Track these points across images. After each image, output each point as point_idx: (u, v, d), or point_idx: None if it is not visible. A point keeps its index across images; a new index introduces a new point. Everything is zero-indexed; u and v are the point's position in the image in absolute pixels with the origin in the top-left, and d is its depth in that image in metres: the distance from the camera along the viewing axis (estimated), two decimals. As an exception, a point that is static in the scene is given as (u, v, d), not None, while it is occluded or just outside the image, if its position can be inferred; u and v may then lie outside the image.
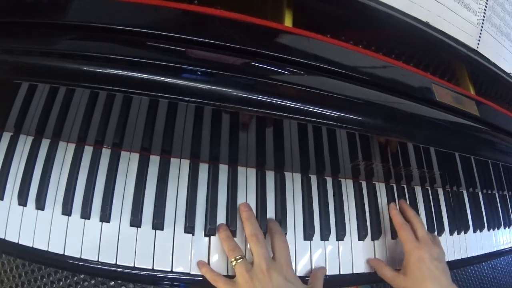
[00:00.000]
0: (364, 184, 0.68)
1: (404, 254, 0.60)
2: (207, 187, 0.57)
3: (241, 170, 0.60)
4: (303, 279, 0.56)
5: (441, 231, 0.73)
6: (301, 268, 0.59)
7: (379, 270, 0.61)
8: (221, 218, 0.56)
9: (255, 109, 0.43)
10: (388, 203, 0.69)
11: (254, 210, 0.58)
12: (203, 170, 0.58)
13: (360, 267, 0.63)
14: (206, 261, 0.54)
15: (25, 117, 0.50)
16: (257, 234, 0.53)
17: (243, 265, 0.51)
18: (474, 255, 0.77)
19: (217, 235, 0.55)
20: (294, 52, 0.46)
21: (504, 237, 0.86)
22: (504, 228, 0.87)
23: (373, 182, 0.69)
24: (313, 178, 0.64)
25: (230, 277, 0.53)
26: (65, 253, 0.49)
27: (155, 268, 0.52)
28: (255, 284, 0.49)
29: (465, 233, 0.78)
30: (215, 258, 0.54)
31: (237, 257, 0.52)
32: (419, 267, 0.57)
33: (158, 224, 0.53)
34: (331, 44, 0.50)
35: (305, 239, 0.60)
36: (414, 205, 0.71)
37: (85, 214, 0.51)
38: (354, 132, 0.54)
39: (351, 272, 0.62)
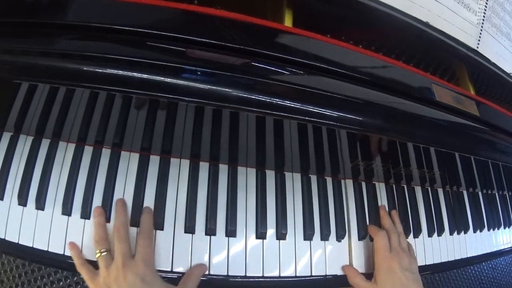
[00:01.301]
0: (364, 184, 0.68)
1: (375, 264, 0.60)
2: (207, 187, 0.57)
3: (241, 170, 0.60)
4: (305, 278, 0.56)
5: (441, 231, 0.73)
6: (301, 268, 0.58)
7: (352, 278, 0.60)
8: (221, 217, 0.56)
9: (255, 109, 0.43)
10: (388, 203, 0.69)
11: (254, 210, 0.58)
12: (203, 170, 0.58)
13: (360, 267, 0.62)
14: (206, 260, 0.54)
15: (25, 117, 0.50)
16: (120, 229, 0.50)
17: (104, 260, 0.49)
18: (474, 255, 0.77)
19: (91, 218, 0.52)
20: (294, 52, 0.46)
21: (504, 237, 0.86)
22: (504, 228, 0.87)
23: (373, 182, 0.68)
24: (313, 178, 0.64)
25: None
26: (65, 253, 0.50)
27: (155, 268, 0.51)
28: (111, 281, 0.47)
29: (465, 233, 0.78)
30: (216, 258, 0.54)
31: (102, 250, 0.49)
32: (389, 277, 0.57)
33: (158, 224, 0.53)
34: (331, 44, 0.50)
35: (305, 239, 0.60)
36: (414, 205, 0.71)
37: (85, 214, 0.51)
38: (354, 132, 0.54)
39: (351, 272, 0.61)
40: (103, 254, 0.49)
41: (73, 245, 0.51)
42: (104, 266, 0.48)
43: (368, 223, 0.65)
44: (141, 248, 0.50)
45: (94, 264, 0.50)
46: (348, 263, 0.62)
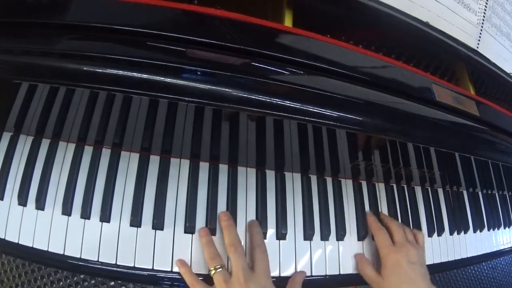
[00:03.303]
0: (364, 184, 0.68)
1: (381, 259, 0.59)
2: (207, 187, 0.57)
3: (241, 170, 0.60)
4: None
5: (441, 231, 0.73)
6: (301, 268, 0.58)
7: (361, 266, 0.60)
8: (221, 218, 0.56)
9: (255, 109, 0.43)
10: (388, 203, 0.68)
11: (254, 210, 0.58)
12: (203, 170, 0.58)
13: (360, 267, 0.62)
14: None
15: (25, 117, 0.50)
16: (236, 244, 0.52)
17: (221, 275, 0.50)
18: (474, 255, 0.77)
19: (199, 239, 0.54)
20: (294, 52, 0.46)
21: (504, 237, 0.86)
22: (504, 228, 0.87)
23: (373, 182, 0.69)
24: (313, 178, 0.64)
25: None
26: (65, 253, 0.49)
27: (155, 268, 0.52)
28: None
29: (465, 233, 0.78)
30: (215, 258, 0.54)
31: (217, 267, 0.51)
32: (395, 271, 0.56)
33: (158, 224, 0.53)
34: (331, 44, 0.50)
35: (305, 239, 0.60)
36: (414, 205, 0.71)
37: (85, 214, 0.51)
38: (354, 132, 0.54)
39: (350, 272, 0.61)
40: (218, 270, 0.50)
41: (182, 262, 0.52)
42: (223, 281, 0.49)
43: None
44: (260, 261, 0.53)
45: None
46: (348, 263, 0.62)
